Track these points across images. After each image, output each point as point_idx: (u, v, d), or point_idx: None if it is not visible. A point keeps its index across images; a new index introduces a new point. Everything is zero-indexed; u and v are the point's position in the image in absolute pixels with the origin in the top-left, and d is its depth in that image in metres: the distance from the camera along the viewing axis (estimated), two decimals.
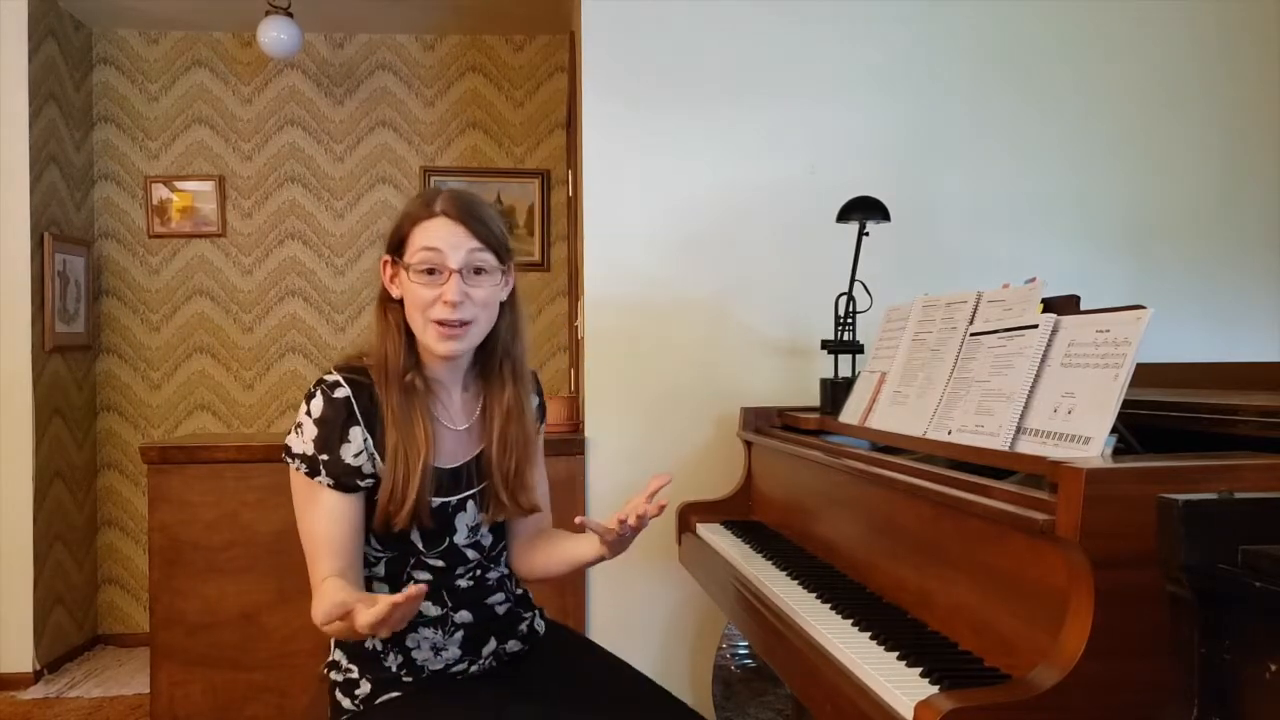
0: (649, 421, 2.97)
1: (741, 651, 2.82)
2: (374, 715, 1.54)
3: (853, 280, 2.49)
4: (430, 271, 1.47)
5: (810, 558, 2.02)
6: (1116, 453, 1.33)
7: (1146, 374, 1.94)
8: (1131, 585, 1.10)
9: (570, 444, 2.94)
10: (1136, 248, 3.06)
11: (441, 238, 1.47)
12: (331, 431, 1.46)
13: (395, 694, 1.54)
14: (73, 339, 4.21)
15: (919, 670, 1.30)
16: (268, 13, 3.96)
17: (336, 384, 1.49)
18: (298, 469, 1.48)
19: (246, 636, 2.87)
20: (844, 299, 2.50)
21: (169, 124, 4.50)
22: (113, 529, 4.46)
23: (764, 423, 2.61)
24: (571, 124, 3.92)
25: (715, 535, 2.36)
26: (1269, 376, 1.98)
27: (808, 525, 2.15)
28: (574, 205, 3.71)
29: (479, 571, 1.62)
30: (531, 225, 4.54)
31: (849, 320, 2.50)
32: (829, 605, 1.65)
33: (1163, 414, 1.54)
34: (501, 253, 1.53)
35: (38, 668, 3.85)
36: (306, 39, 4.22)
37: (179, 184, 4.49)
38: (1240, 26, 3.09)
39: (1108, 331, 1.37)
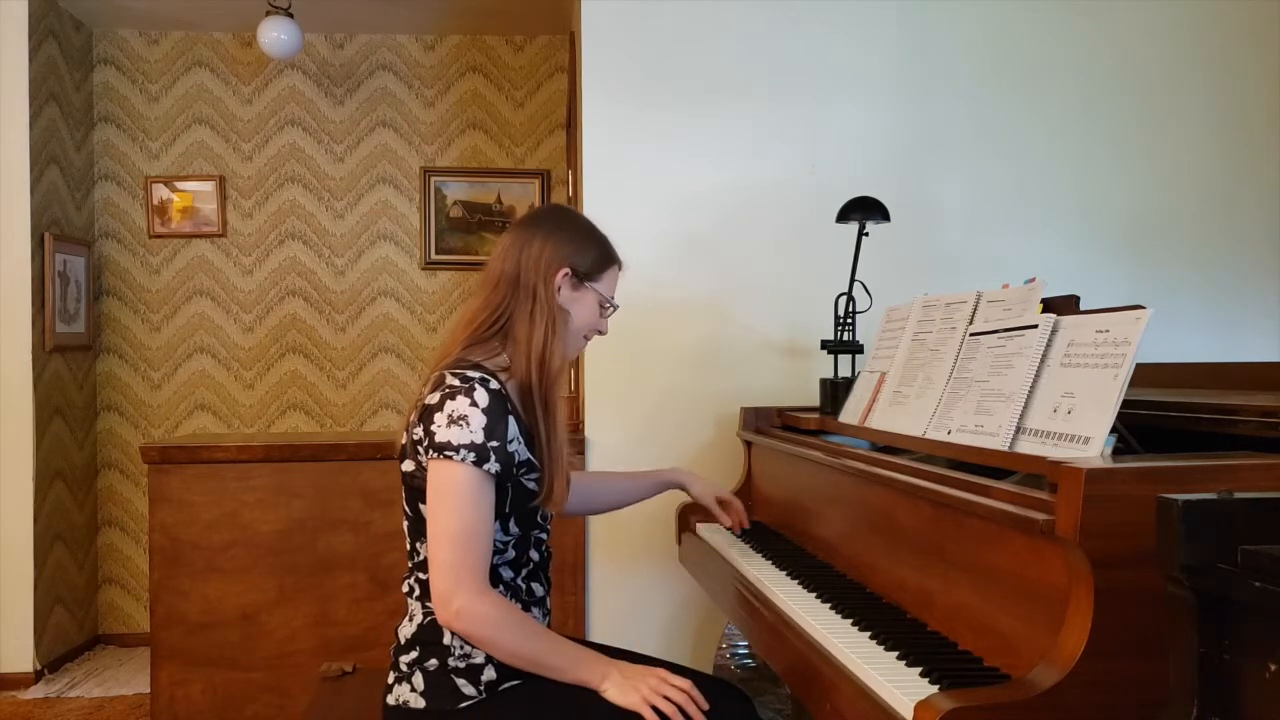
0: (649, 421, 2.97)
1: (741, 651, 2.81)
2: (503, 702, 1.57)
3: (852, 280, 2.49)
4: (604, 306, 1.79)
5: (810, 558, 2.02)
6: (1116, 453, 1.33)
7: (1146, 374, 1.94)
8: (1131, 585, 1.10)
9: (570, 443, 2.93)
10: (1136, 248, 3.06)
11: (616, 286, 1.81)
12: (497, 421, 1.57)
13: (516, 681, 1.59)
14: (73, 339, 4.21)
15: (919, 670, 1.30)
16: (268, 13, 3.96)
17: (487, 378, 1.60)
18: (463, 460, 1.53)
19: (246, 636, 2.87)
20: (844, 299, 2.50)
21: (169, 124, 4.50)
22: (113, 529, 4.46)
23: (764, 423, 2.61)
24: (571, 124, 3.92)
25: (715, 535, 2.36)
26: (1269, 376, 1.98)
27: (808, 525, 2.15)
28: (574, 205, 3.71)
29: (548, 549, 1.76)
30: None
31: (849, 320, 2.50)
32: (829, 605, 1.65)
33: (1163, 414, 1.54)
34: None
35: (38, 668, 3.85)
36: (307, 39, 4.22)
37: (179, 184, 4.49)
38: (1240, 26, 3.08)
39: (1107, 332, 1.37)
